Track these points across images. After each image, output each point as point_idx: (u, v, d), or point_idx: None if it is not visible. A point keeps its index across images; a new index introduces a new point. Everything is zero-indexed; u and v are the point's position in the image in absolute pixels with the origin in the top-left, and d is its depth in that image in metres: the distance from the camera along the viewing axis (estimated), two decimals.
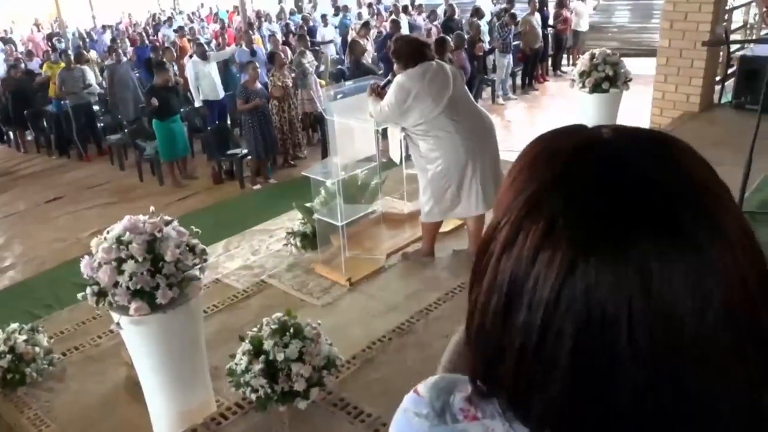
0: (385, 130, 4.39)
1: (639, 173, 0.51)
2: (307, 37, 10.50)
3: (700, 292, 0.48)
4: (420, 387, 0.64)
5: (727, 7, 7.00)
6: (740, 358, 0.49)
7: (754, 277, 0.51)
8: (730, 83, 7.22)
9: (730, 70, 7.35)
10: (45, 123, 10.06)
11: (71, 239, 6.69)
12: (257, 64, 8.08)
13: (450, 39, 8.14)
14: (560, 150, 0.56)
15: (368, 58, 9.45)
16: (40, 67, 11.50)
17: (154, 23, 17.57)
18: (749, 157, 3.85)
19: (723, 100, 7.14)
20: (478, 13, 11.39)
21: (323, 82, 9.39)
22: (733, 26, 7.89)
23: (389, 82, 3.98)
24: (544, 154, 0.58)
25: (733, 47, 7.39)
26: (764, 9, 2.49)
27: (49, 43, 15.30)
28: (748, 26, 8.50)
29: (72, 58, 9.86)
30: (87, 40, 15.65)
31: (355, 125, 4.28)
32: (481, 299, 0.56)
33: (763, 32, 8.30)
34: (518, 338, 0.52)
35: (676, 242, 0.49)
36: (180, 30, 13.04)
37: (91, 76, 9.79)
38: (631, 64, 6.48)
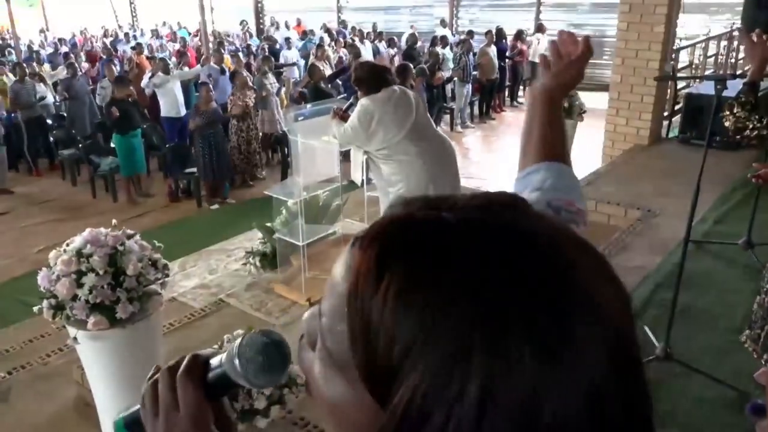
0: (347, 152, 4.44)
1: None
2: (272, 59, 10.54)
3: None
4: None
5: (675, 47, 7.37)
6: None
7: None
8: (676, 119, 7.57)
9: (677, 107, 7.72)
10: None
11: (18, 256, 6.48)
12: (210, 87, 8.08)
13: (412, 67, 8.30)
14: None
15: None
16: None
17: (110, 39, 17.31)
18: (696, 189, 4.04)
19: (670, 135, 7.47)
20: (439, 42, 11.66)
21: (285, 101, 9.44)
22: (680, 65, 8.30)
23: (351, 105, 4.04)
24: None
25: (680, 85, 7.77)
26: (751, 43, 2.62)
27: None
28: (694, 66, 8.94)
29: (27, 71, 9.64)
30: (41, 53, 15.29)
31: (318, 146, 4.31)
32: None
33: (707, 72, 8.73)
34: None
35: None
36: (138, 47, 12.90)
37: (44, 89, 9.57)
38: (584, 98, 6.74)
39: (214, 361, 0.59)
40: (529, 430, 0.42)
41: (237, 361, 0.56)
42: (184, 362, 0.60)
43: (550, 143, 0.95)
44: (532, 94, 1.01)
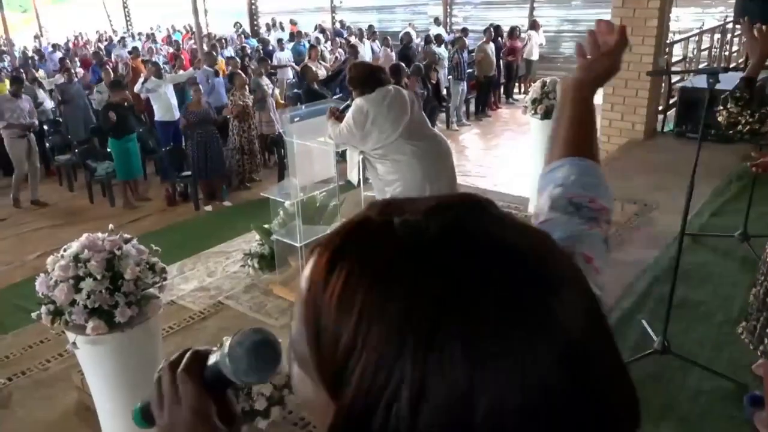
0: (343, 152, 4.44)
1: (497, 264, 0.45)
2: (268, 61, 10.54)
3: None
4: None
5: (668, 41, 7.38)
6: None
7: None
8: (671, 113, 7.58)
9: (671, 101, 7.73)
10: None
11: (15, 262, 6.48)
12: (201, 87, 8.09)
13: (405, 66, 8.30)
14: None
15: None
16: None
17: (105, 43, 17.28)
18: (691, 182, 4.05)
19: (665, 129, 7.49)
20: (434, 40, 11.65)
21: (279, 102, 9.43)
22: (674, 59, 8.31)
23: (348, 106, 4.05)
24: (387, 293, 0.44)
25: (674, 78, 7.78)
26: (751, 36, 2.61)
27: None
28: (687, 60, 8.95)
29: (24, 82, 9.52)
30: (36, 58, 15.27)
31: (314, 147, 4.32)
32: None
33: (701, 65, 8.75)
34: None
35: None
36: (134, 51, 12.89)
37: (43, 95, 9.56)
38: None
39: (212, 358, 0.61)
40: (464, 425, 0.42)
41: (228, 360, 0.58)
42: (185, 359, 0.63)
43: (576, 139, 0.93)
44: (563, 87, 0.99)
